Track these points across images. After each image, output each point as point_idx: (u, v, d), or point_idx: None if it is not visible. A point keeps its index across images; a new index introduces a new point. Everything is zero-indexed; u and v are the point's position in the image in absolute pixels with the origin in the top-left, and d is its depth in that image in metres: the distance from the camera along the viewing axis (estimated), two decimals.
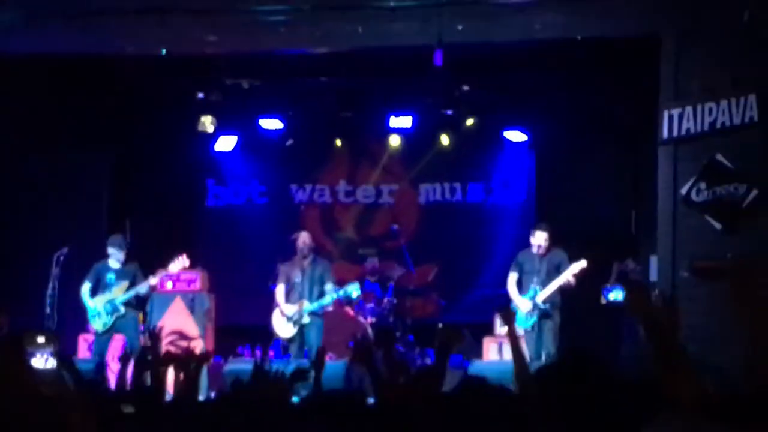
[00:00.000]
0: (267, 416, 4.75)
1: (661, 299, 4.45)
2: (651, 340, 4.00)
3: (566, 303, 12.98)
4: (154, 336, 7.91)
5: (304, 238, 13.86)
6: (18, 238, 15.17)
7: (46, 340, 12.60)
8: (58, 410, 2.71)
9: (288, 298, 13.73)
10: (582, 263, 12.70)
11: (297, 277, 13.68)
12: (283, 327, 13.71)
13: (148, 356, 7.57)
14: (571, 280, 12.74)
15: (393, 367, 6.73)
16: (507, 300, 13.19)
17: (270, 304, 14.13)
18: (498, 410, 4.59)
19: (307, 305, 13.52)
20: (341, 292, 13.74)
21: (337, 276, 14.84)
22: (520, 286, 13.04)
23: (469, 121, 16.34)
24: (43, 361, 12.14)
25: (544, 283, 12.79)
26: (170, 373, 7.68)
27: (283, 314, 13.68)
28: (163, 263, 13.72)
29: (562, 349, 12.47)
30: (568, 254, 12.96)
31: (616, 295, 11.69)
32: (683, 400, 3.76)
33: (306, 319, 13.52)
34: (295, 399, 6.44)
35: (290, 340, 13.64)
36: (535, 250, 12.97)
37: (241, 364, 13.15)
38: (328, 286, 13.69)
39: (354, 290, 13.81)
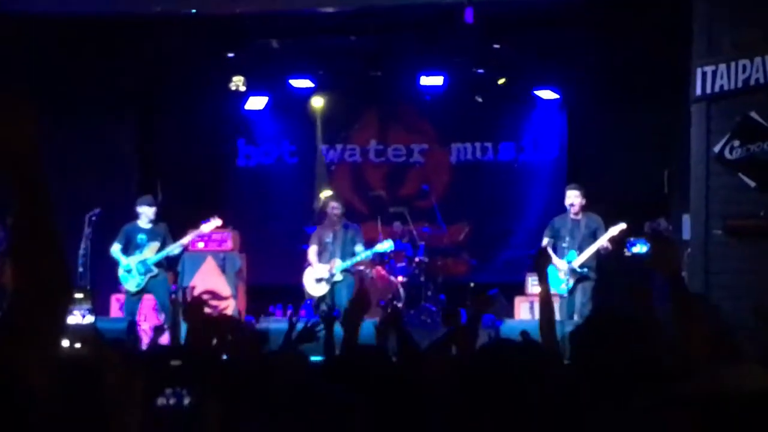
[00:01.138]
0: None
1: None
2: (672, 294, 4.01)
3: (600, 264, 12.94)
4: (187, 298, 7.95)
5: (334, 205, 13.94)
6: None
7: (83, 296, 12.66)
8: (95, 368, 2.71)
9: (320, 259, 13.84)
10: (621, 226, 12.65)
11: (329, 239, 13.79)
12: (314, 286, 13.82)
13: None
14: (608, 244, 12.71)
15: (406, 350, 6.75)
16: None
17: (300, 263, 14.18)
18: (524, 371, 4.57)
19: (339, 263, 13.64)
20: (372, 251, 13.85)
21: (367, 236, 14.85)
22: (555, 251, 13.02)
23: (501, 80, 16.26)
24: (80, 317, 12.17)
25: (580, 248, 12.77)
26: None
27: (315, 273, 13.79)
28: (194, 223, 13.77)
29: (596, 310, 12.45)
30: (601, 216, 12.92)
31: (640, 248, 11.63)
32: (696, 352, 3.76)
33: (338, 277, 13.67)
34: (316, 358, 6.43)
35: (321, 299, 13.76)
36: (569, 210, 12.93)
37: (273, 323, 13.19)
38: (359, 248, 13.80)
39: (386, 248, 13.91)
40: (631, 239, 12.31)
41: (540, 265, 6.45)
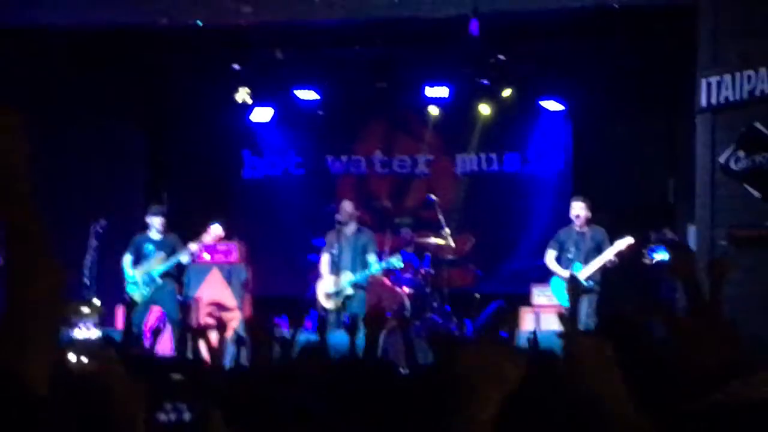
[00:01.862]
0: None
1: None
2: (690, 302, 4.00)
3: (606, 277, 12.95)
4: (187, 308, 7.99)
5: (346, 207, 13.89)
6: (55, 210, 15.23)
7: (90, 310, 12.68)
8: (102, 383, 2.72)
9: (331, 268, 13.80)
10: (628, 240, 12.67)
11: (337, 248, 13.73)
12: (324, 299, 13.80)
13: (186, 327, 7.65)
14: (614, 258, 12.73)
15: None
16: (547, 273, 13.23)
17: (306, 274, 14.17)
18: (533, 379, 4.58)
19: (350, 276, 13.59)
20: (384, 264, 13.81)
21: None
22: (560, 263, 13.06)
23: (506, 92, 16.27)
24: (86, 331, 12.20)
25: (585, 261, 12.80)
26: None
27: (324, 286, 13.77)
28: (199, 234, 13.79)
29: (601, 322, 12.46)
30: (606, 226, 12.95)
31: (662, 255, 11.61)
32: (713, 366, 3.75)
33: (349, 291, 13.61)
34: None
35: (334, 312, 13.73)
36: (574, 224, 12.96)
37: (279, 335, 13.16)
38: (371, 257, 13.76)
39: (397, 262, 13.89)
40: (652, 246, 12.30)
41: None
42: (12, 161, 2.40)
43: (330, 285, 13.73)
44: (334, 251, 13.77)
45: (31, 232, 2.41)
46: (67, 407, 2.39)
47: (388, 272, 14.89)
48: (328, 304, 13.78)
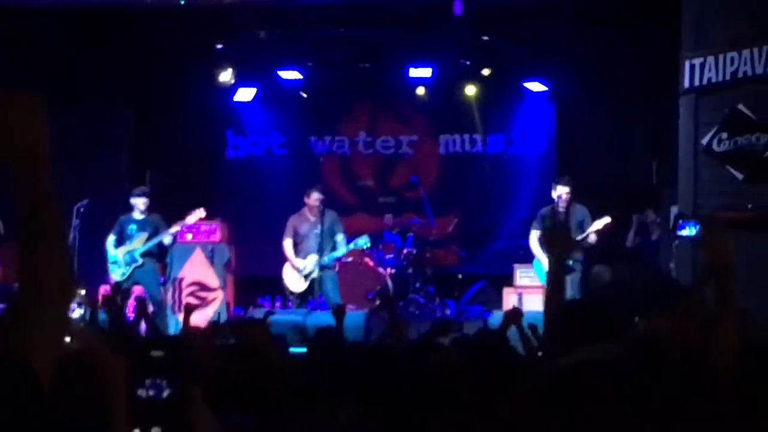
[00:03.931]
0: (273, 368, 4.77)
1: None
2: (718, 281, 3.93)
3: (587, 256, 12.99)
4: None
5: (316, 196, 13.81)
6: None
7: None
8: (87, 362, 2.72)
9: (299, 252, 13.80)
10: (606, 219, 12.69)
11: (306, 230, 13.73)
12: (294, 281, 13.79)
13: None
14: (593, 236, 12.75)
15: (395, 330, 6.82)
16: (530, 253, 13.26)
17: None
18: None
19: (315, 259, 13.59)
20: (351, 245, 13.80)
21: (357, 227, 14.86)
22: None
23: (486, 71, 16.27)
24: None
25: None
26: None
27: (294, 268, 13.76)
28: (182, 215, 13.78)
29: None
30: (589, 208, 12.97)
31: (690, 230, 11.56)
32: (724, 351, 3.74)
33: (316, 274, 13.60)
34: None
35: (301, 295, 13.74)
36: (557, 202, 12.97)
37: (261, 315, 13.18)
38: (339, 237, 13.76)
39: (364, 243, 13.88)
40: (681, 221, 12.31)
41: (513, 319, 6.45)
42: (34, 142, 2.43)
43: (299, 264, 13.71)
44: (301, 233, 13.77)
45: (48, 216, 2.42)
46: (56, 389, 2.39)
47: (370, 253, 14.92)
48: (296, 287, 13.78)
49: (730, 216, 11.46)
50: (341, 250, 13.75)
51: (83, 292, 12.84)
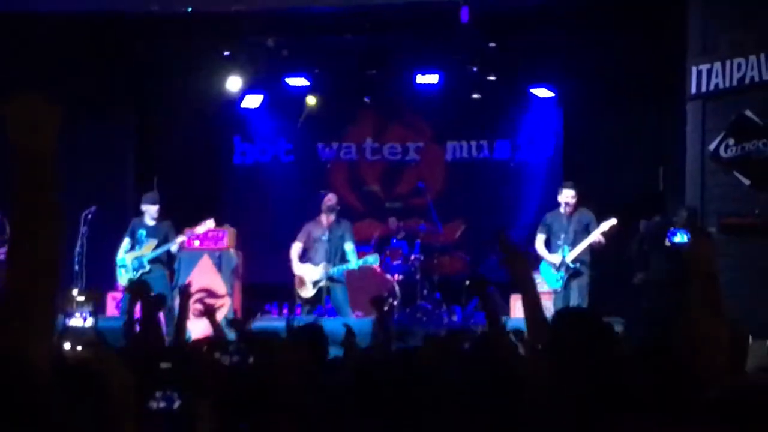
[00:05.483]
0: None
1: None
2: (704, 290, 3.97)
3: (594, 260, 12.99)
4: (184, 293, 7.99)
5: (331, 197, 13.91)
6: None
7: (85, 299, 12.68)
8: (96, 371, 2.73)
9: (309, 258, 13.83)
10: (612, 221, 12.69)
11: (319, 236, 13.77)
12: (303, 287, 13.82)
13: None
14: (601, 238, 12.75)
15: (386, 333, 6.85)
16: (537, 259, 13.26)
17: None
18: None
19: (328, 268, 13.61)
20: (361, 262, 13.83)
21: (363, 233, 14.85)
22: (549, 247, 13.08)
23: (491, 77, 16.28)
24: (81, 320, 12.17)
25: (573, 243, 12.83)
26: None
27: (300, 273, 13.81)
28: (191, 221, 13.80)
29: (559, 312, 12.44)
30: (595, 213, 12.97)
31: (681, 238, 11.55)
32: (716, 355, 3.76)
33: (324, 283, 13.64)
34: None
35: (308, 301, 13.78)
36: (562, 208, 12.98)
37: (269, 322, 13.20)
38: (349, 247, 13.77)
39: (374, 261, 13.92)
40: (672, 228, 12.29)
41: (514, 266, 5.32)
42: (45, 149, 2.51)
43: (311, 272, 13.75)
44: (314, 239, 13.81)
45: (48, 216, 2.46)
46: (63, 395, 2.41)
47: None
48: (305, 292, 13.83)
49: (738, 222, 11.47)
50: (350, 264, 13.77)
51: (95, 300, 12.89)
